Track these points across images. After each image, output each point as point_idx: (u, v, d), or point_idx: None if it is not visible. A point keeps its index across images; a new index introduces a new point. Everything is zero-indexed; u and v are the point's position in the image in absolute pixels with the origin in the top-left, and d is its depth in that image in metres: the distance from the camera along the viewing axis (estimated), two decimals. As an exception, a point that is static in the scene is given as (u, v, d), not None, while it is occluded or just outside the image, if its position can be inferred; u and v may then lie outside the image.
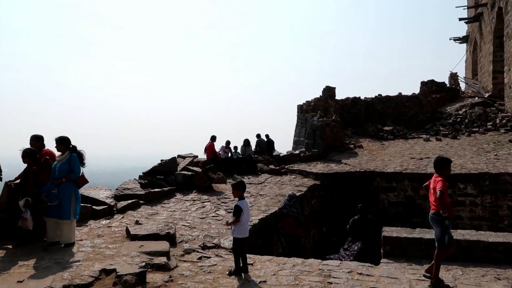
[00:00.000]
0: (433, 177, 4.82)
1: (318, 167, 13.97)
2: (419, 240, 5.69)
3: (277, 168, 13.81)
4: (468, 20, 27.09)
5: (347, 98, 22.43)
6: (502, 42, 20.34)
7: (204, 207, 8.73)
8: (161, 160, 11.51)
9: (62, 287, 4.11)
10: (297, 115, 21.32)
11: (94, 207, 7.60)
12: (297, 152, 16.22)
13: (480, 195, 12.01)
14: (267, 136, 16.39)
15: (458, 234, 5.73)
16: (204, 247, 6.16)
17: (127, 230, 6.28)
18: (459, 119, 20.01)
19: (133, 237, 6.02)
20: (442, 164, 4.79)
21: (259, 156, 14.92)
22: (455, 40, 30.35)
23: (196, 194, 9.97)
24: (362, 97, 22.69)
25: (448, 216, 4.51)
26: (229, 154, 14.13)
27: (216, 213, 8.20)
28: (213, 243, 6.37)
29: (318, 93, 21.90)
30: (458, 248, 5.38)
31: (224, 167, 13.06)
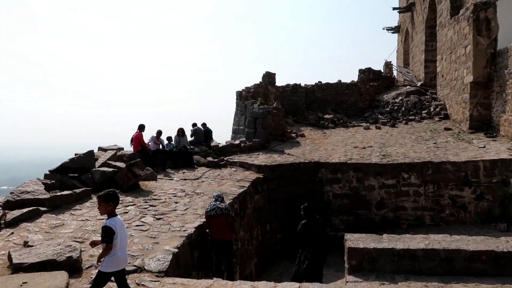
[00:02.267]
0: None
1: (260, 159, 12.85)
2: (391, 252, 4.71)
3: (215, 160, 12.42)
4: (401, 10, 27.64)
5: (288, 85, 21.60)
6: (433, 32, 20.80)
7: (126, 212, 7.09)
8: (75, 154, 9.54)
9: None
10: (236, 102, 20.00)
11: (-30, 221, 5.65)
12: (237, 142, 14.94)
13: (423, 184, 11.81)
14: (204, 125, 14.86)
15: (433, 241, 4.86)
16: (122, 273, 4.65)
17: (9, 257, 4.53)
18: (396, 107, 20.17)
19: (16, 268, 4.31)
20: None
21: (195, 147, 13.40)
22: (387, 29, 30.97)
23: (118, 195, 8.25)
24: (303, 84, 22.01)
25: None
26: (160, 146, 12.41)
27: (142, 221, 6.64)
28: (134, 266, 4.88)
29: (258, 79, 20.76)
30: (436, 259, 4.52)
31: (154, 161, 11.39)
